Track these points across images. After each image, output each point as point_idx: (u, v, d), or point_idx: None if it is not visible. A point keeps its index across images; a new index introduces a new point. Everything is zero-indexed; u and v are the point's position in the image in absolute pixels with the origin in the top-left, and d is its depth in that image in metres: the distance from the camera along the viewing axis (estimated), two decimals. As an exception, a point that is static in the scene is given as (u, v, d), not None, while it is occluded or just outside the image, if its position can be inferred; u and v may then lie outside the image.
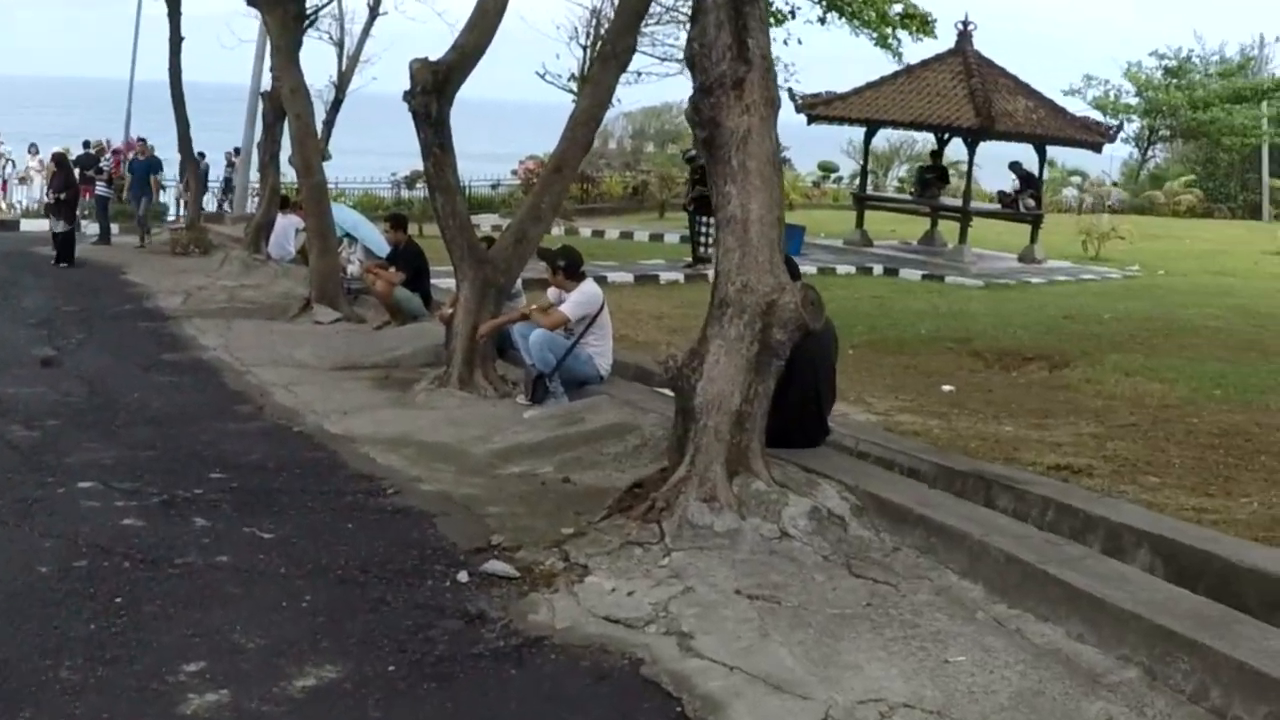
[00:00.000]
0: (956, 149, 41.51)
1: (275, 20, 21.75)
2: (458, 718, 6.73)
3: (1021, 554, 8.49)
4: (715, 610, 8.10)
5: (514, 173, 52.39)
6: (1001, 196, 41.96)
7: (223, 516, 10.01)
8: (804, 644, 7.60)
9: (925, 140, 71.40)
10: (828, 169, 72.66)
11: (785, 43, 43.33)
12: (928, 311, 25.83)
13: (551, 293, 15.12)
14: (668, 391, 14.17)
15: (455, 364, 15.22)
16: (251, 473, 11.50)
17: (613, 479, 11.41)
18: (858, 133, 52.40)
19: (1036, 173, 39.71)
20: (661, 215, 49.10)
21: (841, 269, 33.05)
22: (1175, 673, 7.05)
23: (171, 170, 38.36)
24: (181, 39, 32.71)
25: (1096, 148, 41.01)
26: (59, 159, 30.17)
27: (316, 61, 29.71)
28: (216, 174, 47.38)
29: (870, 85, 38.74)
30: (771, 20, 43.93)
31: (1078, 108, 53.54)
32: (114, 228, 34.54)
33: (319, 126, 35.76)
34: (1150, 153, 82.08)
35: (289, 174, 30.37)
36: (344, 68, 42.00)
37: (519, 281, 16.58)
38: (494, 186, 51.54)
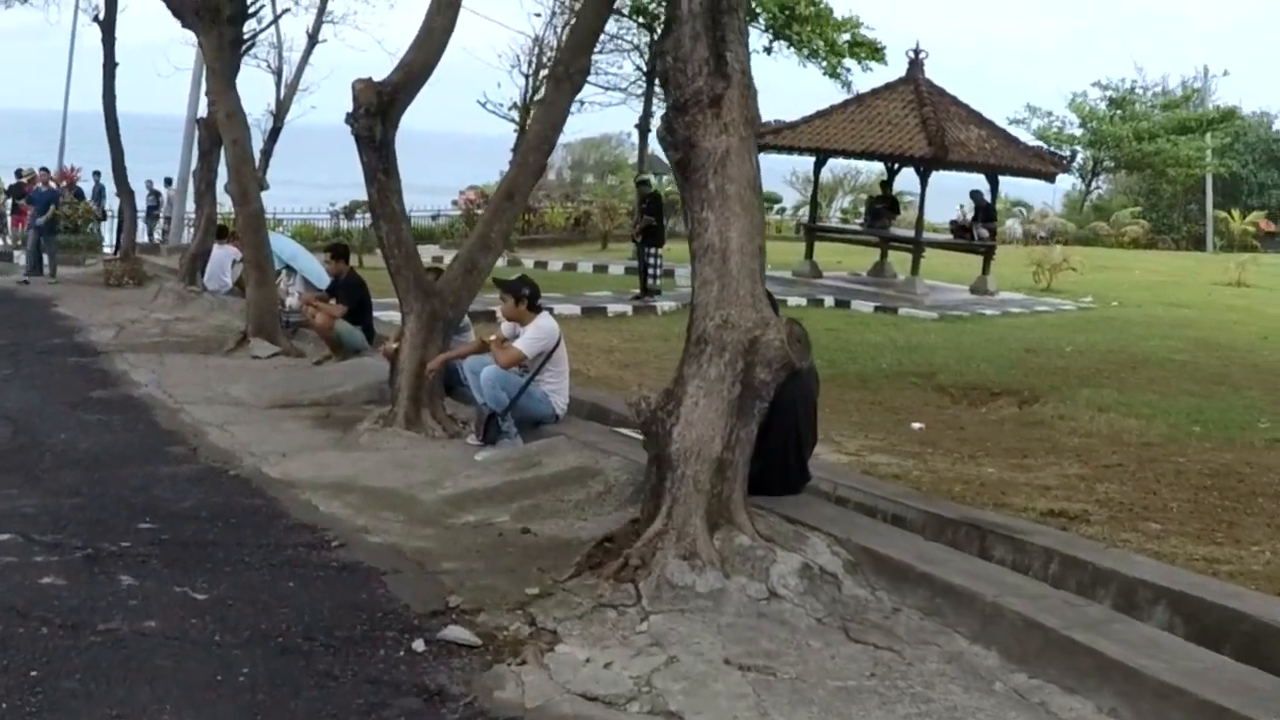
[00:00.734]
0: (905, 179, 40.93)
1: (211, 43, 20.82)
2: (419, 819, 5.86)
3: (1040, 617, 7.73)
4: (704, 684, 7.27)
5: (454, 203, 51.62)
6: (954, 226, 41.30)
7: (152, 574, 9.10)
8: (809, 724, 6.77)
9: (869, 171, 71.20)
10: (770, 200, 72.10)
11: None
12: (886, 345, 25.12)
13: (505, 327, 14.26)
14: (629, 432, 13.40)
15: (401, 402, 14.35)
16: (184, 523, 10.60)
17: (576, 529, 10.62)
18: (802, 163, 51.95)
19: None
20: (604, 246, 48.46)
21: (792, 301, 32.22)
22: (1230, 756, 6.27)
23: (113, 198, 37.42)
24: (115, 64, 31.71)
25: (1050, 177, 40.61)
26: None
27: (254, 90, 28.87)
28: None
29: (820, 114, 38.08)
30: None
31: (1022, 138, 53.24)
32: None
33: (256, 155, 34.90)
34: (1094, 184, 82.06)
35: (226, 203, 29.49)
36: (282, 96, 41.10)
37: (466, 315, 15.67)
38: (434, 217, 50.77)
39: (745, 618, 8.30)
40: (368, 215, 46.15)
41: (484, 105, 45.12)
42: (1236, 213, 73.02)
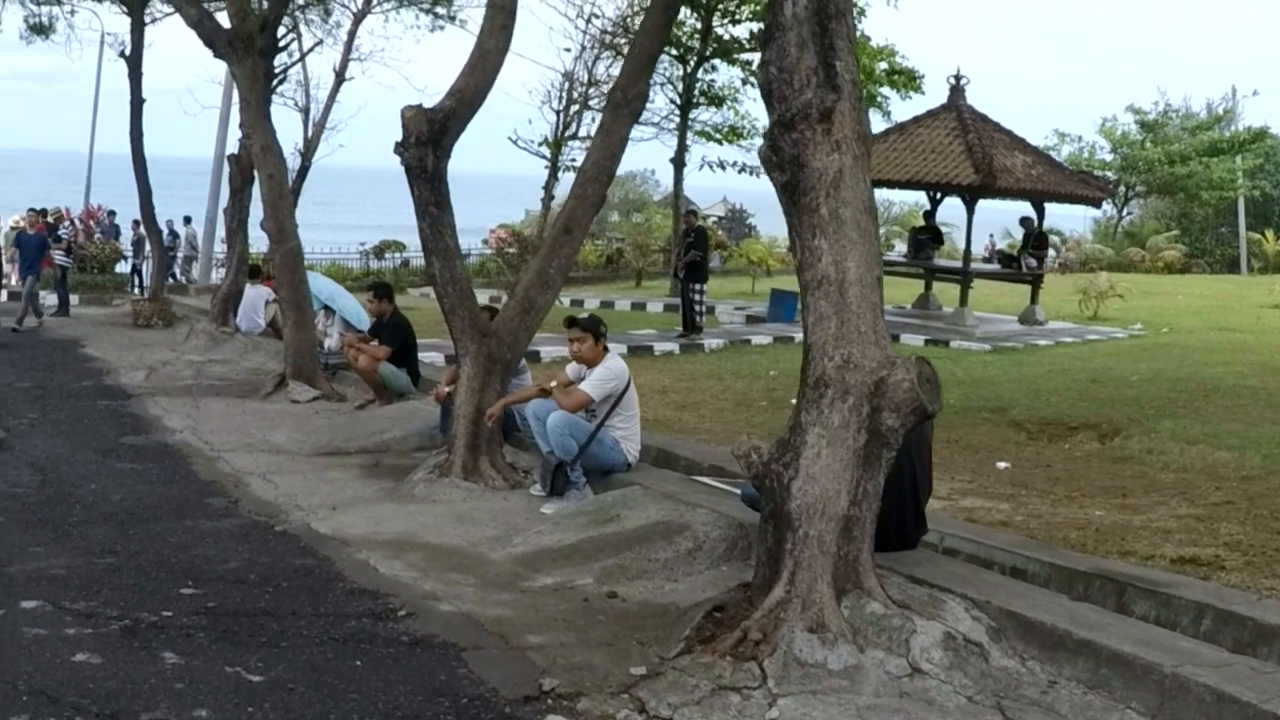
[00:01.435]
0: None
1: (244, 74, 19.84)
2: None
3: (1232, 689, 6.68)
4: (854, 782, 6.18)
5: (485, 242, 50.73)
6: (1000, 256, 40.18)
7: (199, 650, 8.05)
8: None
9: (902, 201, 70.32)
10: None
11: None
12: (948, 380, 23.80)
13: (571, 369, 13.24)
14: (710, 480, 12.39)
15: (458, 450, 13.31)
16: (231, 587, 9.56)
17: (668, 593, 9.63)
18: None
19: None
20: (638, 284, 47.55)
21: (842, 336, 31.16)
22: None
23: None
24: (143, 100, 30.82)
25: (1096, 203, 39.51)
26: None
27: (282, 129, 27.75)
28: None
29: (861, 143, 36.97)
30: (751, 80, 42.75)
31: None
32: (73, 299, 32.32)
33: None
34: (1126, 209, 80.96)
35: (255, 242, 28.57)
36: (310, 135, 40.17)
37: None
38: (464, 256, 49.67)
39: (887, 698, 7.26)
40: (398, 255, 45.65)
41: (515, 142, 44.13)
42: (1270, 234, 71.86)
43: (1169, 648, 7.45)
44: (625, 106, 14.32)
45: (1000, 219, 39.28)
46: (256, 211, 27.94)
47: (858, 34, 38.48)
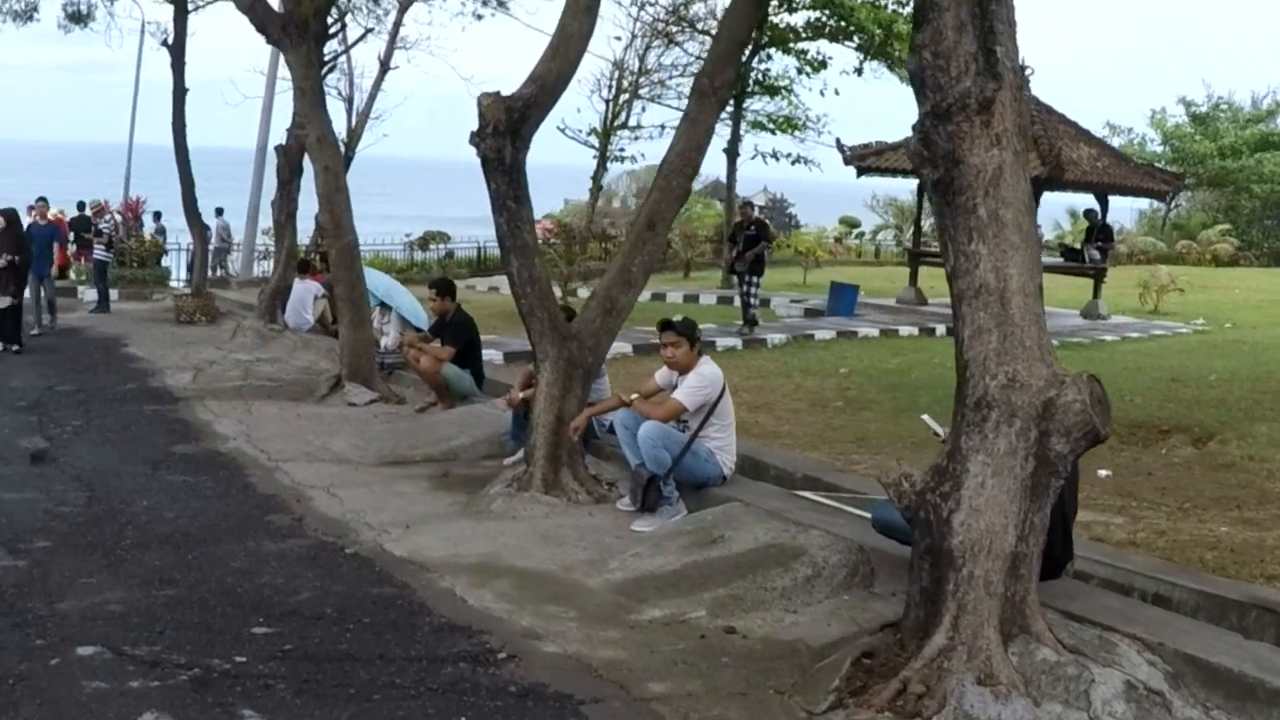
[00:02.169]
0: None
1: (299, 60, 18.88)
2: None
3: None
4: None
5: (529, 233, 49.75)
6: (1064, 248, 39.10)
7: (282, 706, 7.14)
8: None
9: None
10: (850, 224, 70.27)
11: (822, 94, 41.03)
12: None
13: (661, 374, 12.32)
14: (811, 495, 11.48)
15: (537, 462, 12.39)
16: (307, 624, 8.64)
17: (789, 626, 8.74)
18: (882, 185, 49.94)
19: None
20: (686, 275, 46.62)
21: (904, 330, 30.35)
22: None
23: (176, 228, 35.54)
24: (185, 90, 29.89)
25: (1162, 196, 38.43)
26: (8, 217, 23.91)
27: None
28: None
29: (922, 133, 35.96)
30: (807, 70, 41.78)
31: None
32: (113, 294, 31.41)
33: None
34: (1175, 202, 79.78)
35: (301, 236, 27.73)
36: (353, 125, 39.36)
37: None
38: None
39: (1072, 763, 6.30)
40: (442, 246, 44.79)
41: (563, 131, 43.09)
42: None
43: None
44: (712, 95, 13.39)
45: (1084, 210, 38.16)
46: (304, 204, 27.25)
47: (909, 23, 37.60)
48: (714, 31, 41.40)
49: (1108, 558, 10.16)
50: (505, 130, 12.27)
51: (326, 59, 26.19)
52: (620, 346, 23.77)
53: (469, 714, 7.04)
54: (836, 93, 46.52)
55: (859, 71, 42.07)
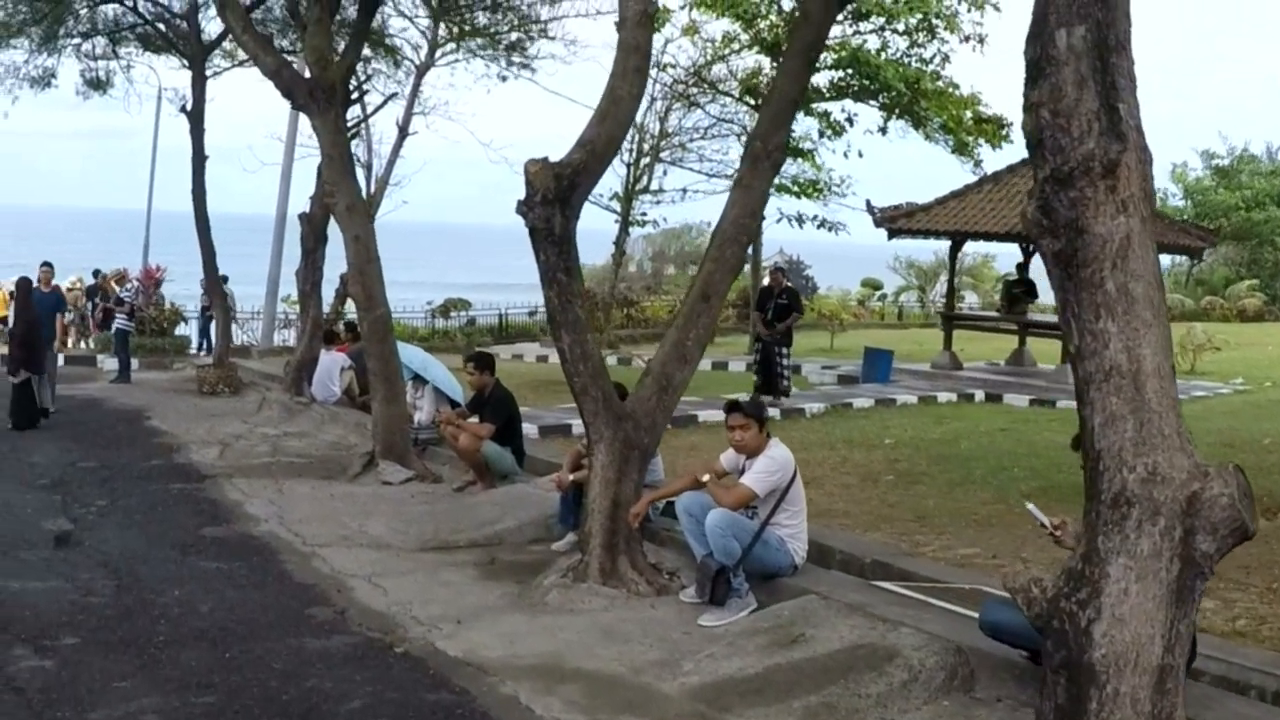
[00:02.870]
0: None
1: (326, 126, 18.26)
2: None
3: None
4: None
5: (552, 299, 49.21)
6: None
7: (343, 841, 6.41)
8: None
9: (975, 252, 68.51)
10: (873, 286, 69.68)
11: (845, 155, 40.39)
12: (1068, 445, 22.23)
13: (727, 458, 11.62)
14: (891, 585, 10.77)
15: (594, 550, 11.70)
16: (364, 739, 7.91)
17: (894, 742, 7.88)
18: (904, 247, 49.24)
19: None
20: (711, 340, 45.73)
21: (942, 396, 29.60)
22: None
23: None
24: (205, 157, 29.35)
25: (1197, 253, 37.74)
26: (21, 288, 23.10)
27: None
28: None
29: (954, 195, 35.36)
30: (829, 132, 41.22)
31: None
32: (134, 363, 30.71)
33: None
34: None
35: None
36: (372, 190, 38.84)
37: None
38: (531, 314, 48.38)
39: None
40: (464, 314, 44.19)
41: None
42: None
43: None
44: (766, 158, 12.80)
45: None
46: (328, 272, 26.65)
47: (944, 81, 37.11)
48: (735, 92, 41.08)
49: (1218, 651, 9.44)
50: (554, 199, 11.64)
51: (349, 125, 25.67)
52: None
53: None
54: (860, 155, 45.91)
55: (883, 131, 41.50)
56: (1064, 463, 19.70)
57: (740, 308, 47.86)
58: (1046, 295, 41.50)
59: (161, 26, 30.83)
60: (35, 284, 24.28)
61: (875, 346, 33.99)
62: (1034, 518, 8.95)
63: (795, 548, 11.15)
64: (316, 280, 26.67)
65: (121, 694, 8.70)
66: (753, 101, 39.96)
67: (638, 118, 41.84)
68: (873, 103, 39.21)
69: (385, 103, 30.80)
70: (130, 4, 30.38)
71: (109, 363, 31.15)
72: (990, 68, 40.73)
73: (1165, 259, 59.94)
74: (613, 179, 43.66)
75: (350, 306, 36.78)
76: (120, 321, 30.19)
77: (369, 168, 39.76)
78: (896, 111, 39.02)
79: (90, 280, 39.15)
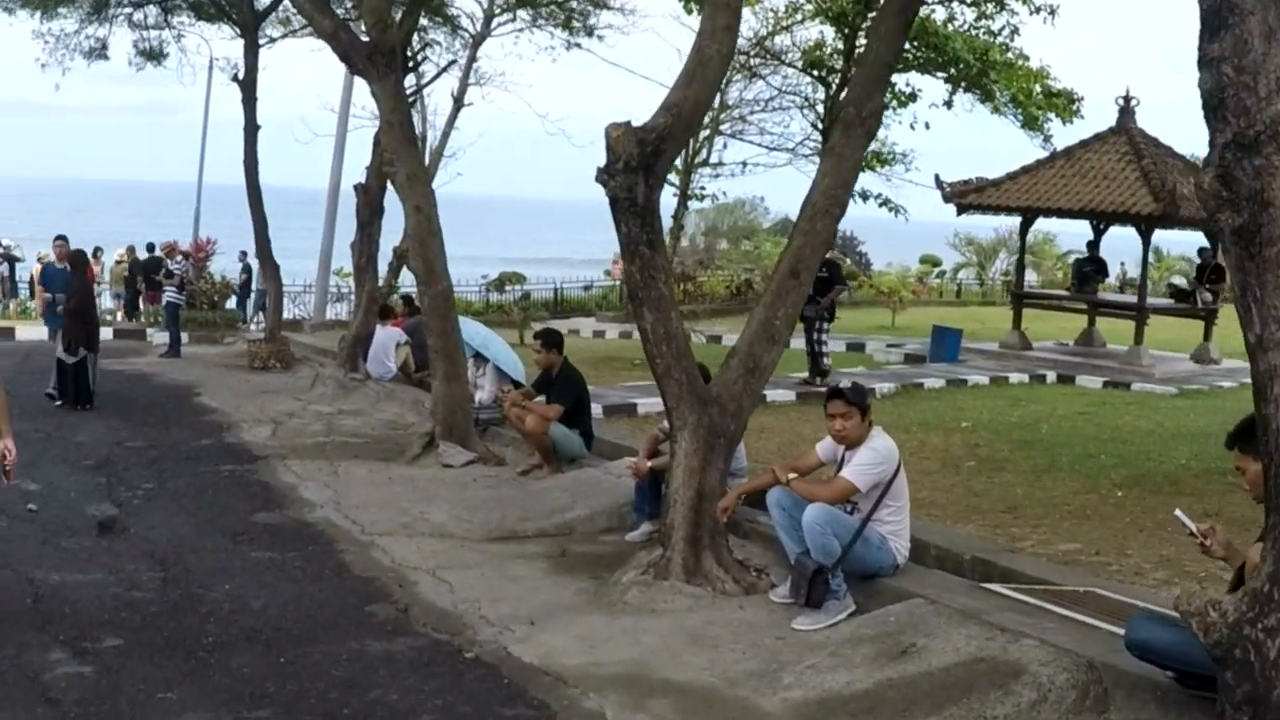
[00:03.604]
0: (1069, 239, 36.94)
1: (386, 92, 17.37)
2: None
3: None
4: None
5: (608, 273, 48.46)
6: (1173, 290, 37.25)
7: None
8: None
9: (1035, 230, 67.46)
10: (932, 262, 68.56)
11: (912, 127, 39.41)
12: (1157, 431, 21.39)
13: (823, 447, 10.73)
14: (1001, 588, 9.88)
15: (676, 544, 10.84)
16: (435, 764, 7.08)
17: (1028, 773, 7.00)
18: (966, 224, 48.09)
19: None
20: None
21: (1014, 378, 28.62)
22: None
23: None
24: (258, 127, 28.56)
25: (1277, 234, 36.50)
26: (75, 259, 21.96)
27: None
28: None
29: (1025, 170, 34.27)
30: (894, 102, 40.22)
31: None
32: (184, 337, 29.96)
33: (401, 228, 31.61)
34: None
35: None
36: (427, 163, 37.96)
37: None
38: (586, 289, 47.56)
39: None
40: (519, 288, 43.36)
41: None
42: None
43: None
44: (859, 125, 11.89)
45: (1125, 246, 36.24)
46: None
47: (1013, 53, 36.04)
48: (800, 64, 40.09)
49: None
50: (637, 166, 10.78)
51: (409, 91, 24.85)
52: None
53: None
54: (926, 126, 44.77)
55: (948, 105, 40.45)
56: (1152, 450, 18.88)
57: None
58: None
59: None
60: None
61: (944, 325, 32.98)
62: (1181, 524, 7.98)
63: (897, 546, 10.27)
64: (372, 253, 25.88)
65: (166, 707, 7.93)
66: (816, 73, 38.99)
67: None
68: (939, 74, 38.15)
69: (444, 70, 30.04)
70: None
71: (159, 336, 30.42)
72: (1061, 41, 39.64)
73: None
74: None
75: (405, 280, 36.10)
76: (170, 294, 29.40)
77: (423, 139, 38.90)
78: (963, 85, 37.99)
79: (144, 254, 38.40)
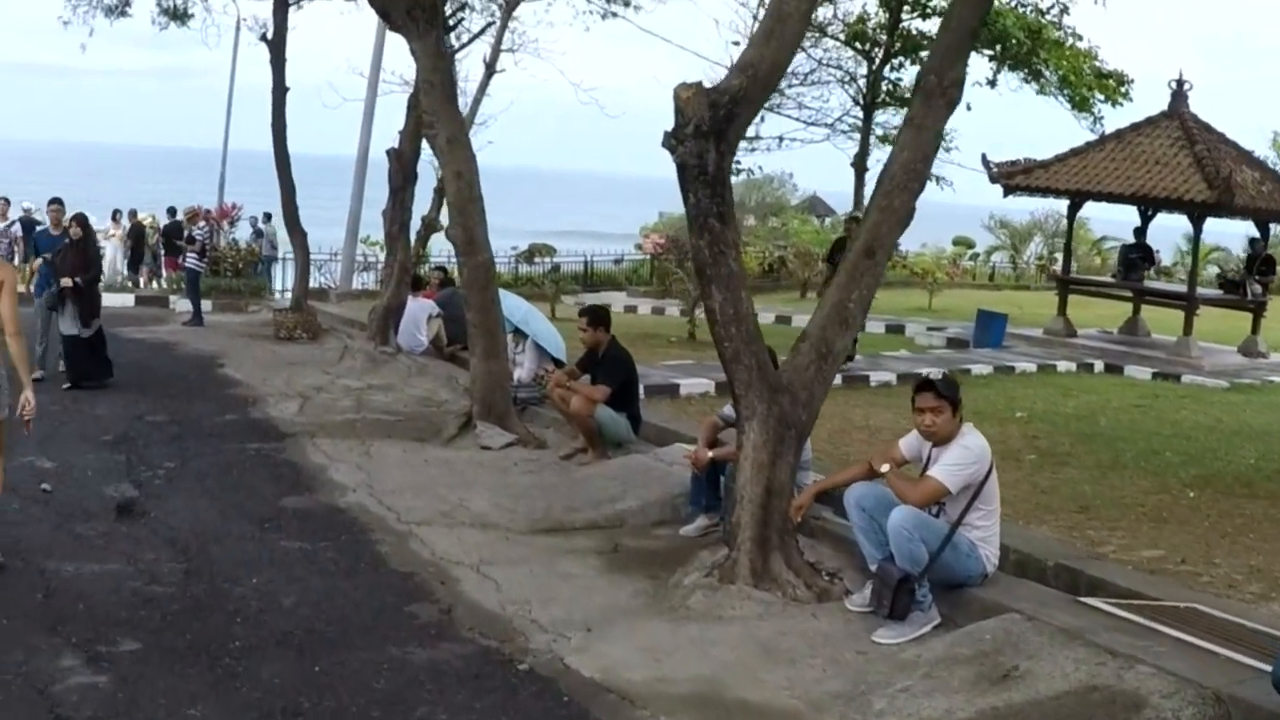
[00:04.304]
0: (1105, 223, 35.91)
1: (427, 50, 16.46)
2: None
3: None
4: None
5: (638, 247, 47.55)
6: (1222, 280, 36.24)
7: None
8: None
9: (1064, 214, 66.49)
10: (966, 244, 67.57)
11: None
12: (1219, 428, 20.54)
13: (908, 443, 9.88)
14: (1097, 602, 9.03)
15: (742, 545, 9.97)
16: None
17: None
18: (999, 205, 47.03)
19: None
20: (803, 295, 43.91)
21: (1061, 366, 27.72)
22: None
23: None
24: (286, 89, 27.66)
25: (1340, 226, 35.61)
26: (80, 223, 19.47)
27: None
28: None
29: (1075, 152, 33.23)
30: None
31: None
32: (207, 305, 29.09)
33: (429, 196, 30.65)
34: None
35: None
36: (462, 127, 37.10)
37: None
38: (617, 262, 46.70)
39: None
40: (548, 260, 42.48)
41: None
42: None
43: None
44: (940, 95, 10.96)
45: (1160, 235, 35.40)
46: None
47: (1061, 32, 35.08)
48: (842, 36, 39.19)
49: None
50: (708, 131, 9.89)
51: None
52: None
53: None
54: (969, 107, 43.88)
55: (992, 84, 39.54)
56: (1218, 449, 18.20)
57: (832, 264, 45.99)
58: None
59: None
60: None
61: (989, 310, 32.07)
62: None
63: (987, 553, 9.42)
64: (405, 221, 24.97)
65: (191, 727, 7.08)
66: (859, 46, 38.08)
67: (734, 60, 40.12)
68: (986, 52, 37.26)
69: (482, 31, 29.19)
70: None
71: (181, 304, 29.55)
72: (1109, 22, 38.78)
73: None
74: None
75: (433, 249, 35.22)
76: (191, 261, 28.42)
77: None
78: (1010, 63, 37.11)
79: (164, 219, 37.56)
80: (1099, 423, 20.26)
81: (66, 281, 17.80)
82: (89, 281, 18.87)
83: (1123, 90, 38.02)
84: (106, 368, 19.19)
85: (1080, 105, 36.54)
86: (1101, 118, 37.20)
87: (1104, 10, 35.03)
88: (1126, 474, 16.21)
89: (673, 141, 9.97)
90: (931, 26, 37.85)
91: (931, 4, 37.28)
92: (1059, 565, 10.74)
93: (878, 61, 38.91)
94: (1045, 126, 39.76)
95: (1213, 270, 60.24)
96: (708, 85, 10.03)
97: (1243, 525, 13.69)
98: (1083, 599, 9.42)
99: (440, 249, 35.99)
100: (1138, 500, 14.69)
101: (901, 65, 39.65)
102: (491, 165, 18.20)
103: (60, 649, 8.17)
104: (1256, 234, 33.96)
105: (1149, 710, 7.04)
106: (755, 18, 39.44)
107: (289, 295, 30.29)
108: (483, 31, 30.08)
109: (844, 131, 41.77)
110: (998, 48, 36.74)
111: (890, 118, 41.42)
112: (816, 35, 40.00)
